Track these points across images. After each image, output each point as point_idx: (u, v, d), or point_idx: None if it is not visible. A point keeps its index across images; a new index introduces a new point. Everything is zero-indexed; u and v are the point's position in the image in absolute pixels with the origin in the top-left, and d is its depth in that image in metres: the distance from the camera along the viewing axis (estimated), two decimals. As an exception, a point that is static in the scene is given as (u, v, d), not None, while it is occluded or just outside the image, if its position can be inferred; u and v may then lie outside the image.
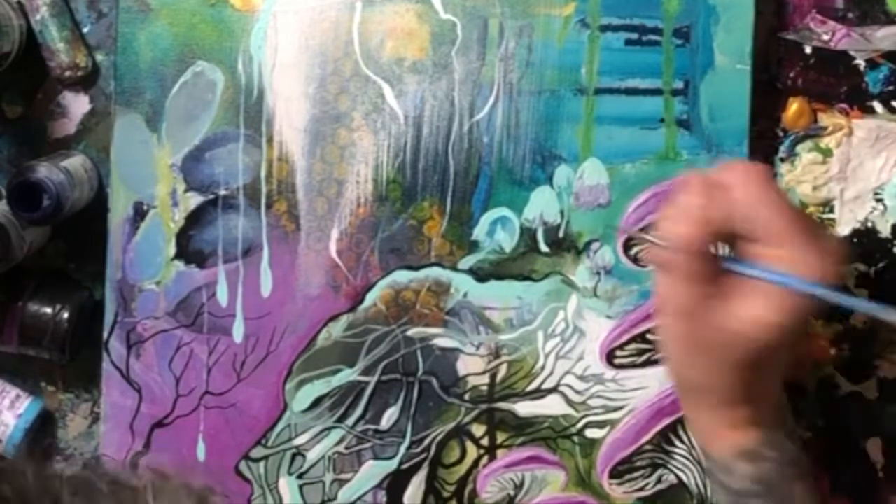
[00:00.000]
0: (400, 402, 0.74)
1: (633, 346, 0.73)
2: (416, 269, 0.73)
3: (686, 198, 0.60)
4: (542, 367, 0.73)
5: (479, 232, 0.73)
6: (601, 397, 0.74)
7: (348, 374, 0.74)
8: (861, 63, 0.74)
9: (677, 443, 0.74)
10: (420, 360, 0.73)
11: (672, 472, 0.74)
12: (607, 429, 0.74)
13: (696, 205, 0.59)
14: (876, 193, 0.74)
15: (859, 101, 0.74)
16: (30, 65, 0.74)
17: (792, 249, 0.58)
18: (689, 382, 0.64)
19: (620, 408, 0.73)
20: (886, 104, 0.74)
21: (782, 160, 0.75)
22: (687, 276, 0.60)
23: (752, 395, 0.62)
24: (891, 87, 0.74)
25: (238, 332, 0.73)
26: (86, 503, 0.45)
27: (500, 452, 0.74)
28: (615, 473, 0.74)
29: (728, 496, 0.64)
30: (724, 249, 0.61)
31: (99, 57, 0.75)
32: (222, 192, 0.73)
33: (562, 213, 0.73)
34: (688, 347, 0.62)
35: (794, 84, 0.74)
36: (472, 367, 0.74)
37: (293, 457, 0.74)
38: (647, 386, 0.73)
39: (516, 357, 0.73)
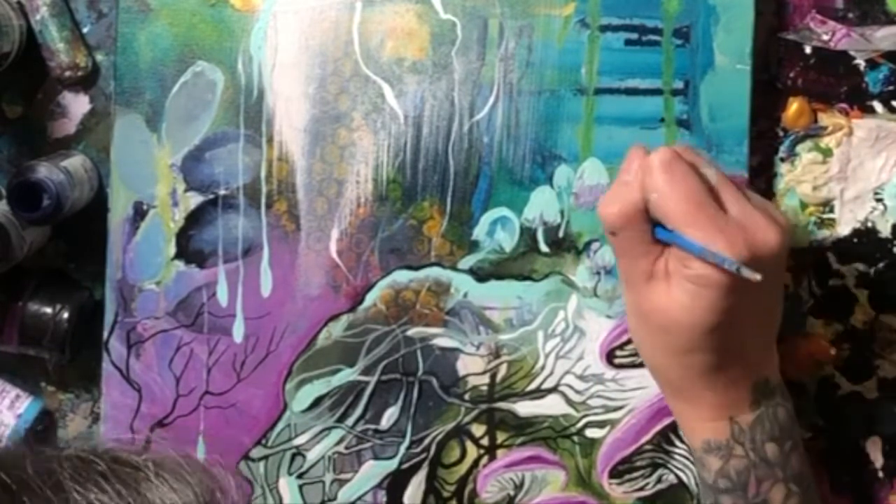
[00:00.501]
0: (400, 402, 0.74)
1: (633, 345, 0.73)
2: (416, 269, 0.73)
3: (619, 177, 0.63)
4: (542, 367, 0.73)
5: (479, 232, 0.73)
6: (601, 397, 0.74)
7: (348, 374, 0.74)
8: (861, 63, 0.74)
9: (677, 443, 0.74)
10: (420, 360, 0.73)
11: (672, 472, 0.74)
12: (607, 429, 0.74)
13: (624, 184, 0.63)
14: (876, 193, 0.74)
15: (859, 101, 0.74)
16: (30, 65, 0.74)
17: (697, 233, 0.60)
18: (651, 366, 0.67)
19: (620, 408, 0.73)
20: (886, 104, 0.74)
21: (782, 160, 0.75)
22: (621, 251, 0.63)
23: (709, 382, 0.64)
24: (891, 87, 0.74)
25: (238, 332, 0.73)
26: (86, 483, 0.45)
27: (500, 452, 0.74)
28: (615, 473, 0.74)
29: (704, 490, 0.66)
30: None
31: (99, 57, 0.75)
32: (222, 192, 0.73)
33: (562, 213, 0.73)
34: (640, 327, 0.66)
35: (794, 84, 0.74)
36: (472, 367, 0.74)
37: (293, 457, 0.74)
38: (647, 386, 0.73)
39: (516, 357, 0.73)
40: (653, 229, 0.63)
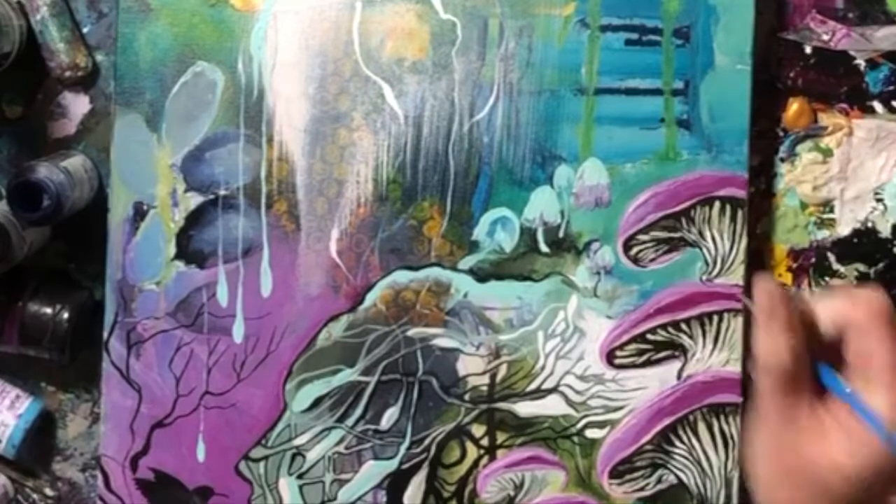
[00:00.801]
0: (400, 402, 0.74)
1: (633, 346, 0.73)
2: (416, 269, 0.73)
3: (770, 322, 0.56)
4: (542, 367, 0.73)
5: (479, 232, 0.73)
6: (601, 397, 0.74)
7: (348, 374, 0.74)
8: (861, 63, 0.74)
9: (677, 443, 0.74)
10: (420, 360, 0.73)
11: (672, 472, 0.74)
12: (607, 429, 0.74)
13: (784, 330, 0.55)
14: (876, 193, 0.74)
15: (859, 101, 0.74)
16: (30, 65, 0.74)
17: (887, 392, 0.54)
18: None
19: (620, 408, 0.73)
20: (886, 104, 0.74)
21: (782, 160, 0.75)
22: (779, 390, 0.56)
23: None
24: (891, 87, 0.74)
25: (238, 332, 0.73)
26: None
27: (500, 452, 0.74)
28: (615, 473, 0.74)
29: None
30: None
31: (99, 57, 0.75)
32: (222, 192, 0.73)
33: (562, 213, 0.73)
34: (775, 466, 0.58)
35: (794, 84, 0.74)
36: (472, 367, 0.74)
37: (293, 457, 0.74)
38: (647, 386, 0.73)
39: (516, 357, 0.73)
40: (815, 367, 0.56)
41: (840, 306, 0.56)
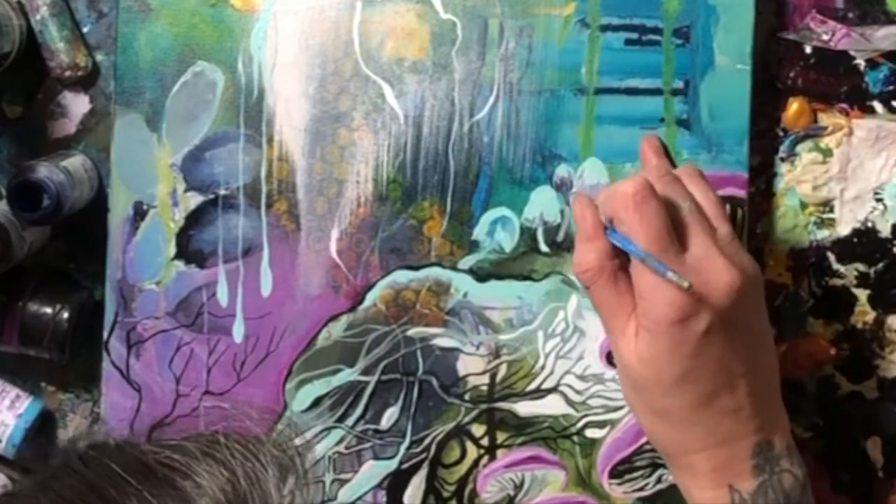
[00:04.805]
0: (400, 402, 0.74)
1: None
2: (416, 269, 0.73)
3: (579, 235, 0.64)
4: (542, 367, 0.73)
5: (479, 232, 0.73)
6: (601, 397, 0.74)
7: (348, 374, 0.74)
8: (861, 63, 0.74)
9: (677, 443, 0.74)
10: (420, 360, 0.73)
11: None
12: (607, 429, 0.74)
13: (587, 240, 0.63)
14: (876, 193, 0.74)
15: (859, 101, 0.74)
16: (30, 65, 0.74)
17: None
18: (646, 433, 0.66)
19: (620, 408, 0.73)
20: (886, 104, 0.74)
21: (782, 160, 0.75)
22: (599, 305, 0.63)
23: (700, 444, 0.62)
24: (891, 87, 0.74)
25: (238, 332, 0.73)
26: (205, 459, 0.45)
27: (500, 452, 0.74)
28: (615, 473, 0.74)
29: None
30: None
31: (99, 57, 0.75)
32: (222, 192, 0.73)
33: (562, 213, 0.73)
34: (624, 387, 0.64)
35: (794, 84, 0.74)
36: (472, 367, 0.74)
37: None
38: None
39: (516, 357, 0.73)
40: (606, 231, 0.63)
41: (602, 203, 0.63)
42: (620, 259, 0.62)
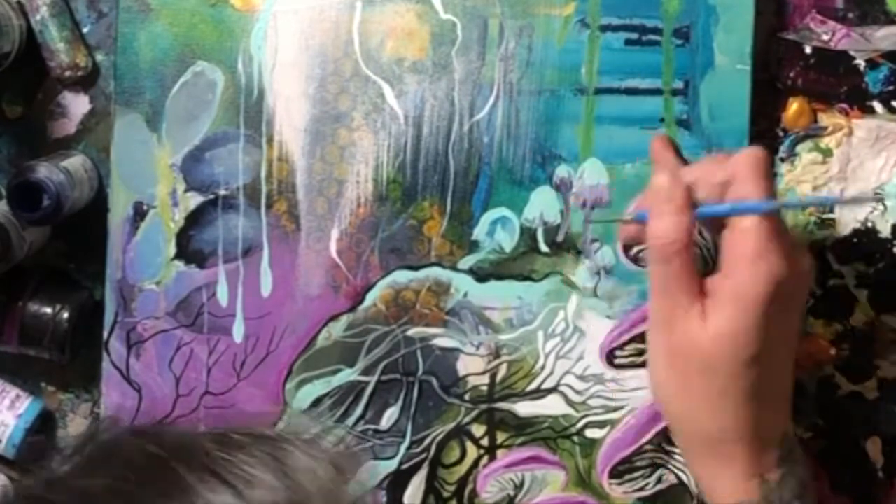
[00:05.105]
0: (400, 402, 0.74)
1: (633, 346, 0.73)
2: (416, 269, 0.73)
3: (659, 202, 0.63)
4: (542, 367, 0.73)
5: (479, 232, 0.73)
6: (601, 397, 0.74)
7: (348, 374, 0.74)
8: (861, 63, 0.74)
9: (677, 443, 0.74)
10: (420, 360, 0.73)
11: (672, 472, 0.74)
12: (607, 429, 0.74)
13: (673, 212, 0.62)
14: (876, 193, 0.74)
15: (859, 101, 0.74)
16: (30, 65, 0.74)
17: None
18: (683, 419, 0.64)
19: (620, 408, 0.73)
20: (886, 104, 0.74)
21: (782, 160, 0.75)
22: (664, 284, 0.62)
23: (745, 433, 0.62)
24: (891, 87, 0.74)
25: (238, 332, 0.73)
26: (230, 451, 0.46)
27: (500, 452, 0.74)
28: (615, 473, 0.74)
29: None
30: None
31: (99, 57, 0.75)
32: (222, 192, 0.73)
33: (561, 213, 0.73)
34: (671, 373, 0.63)
35: (794, 84, 0.74)
36: (472, 367, 0.74)
37: (293, 457, 0.74)
38: (647, 386, 0.73)
39: (516, 357, 0.73)
40: (694, 215, 0.62)
41: (724, 166, 0.63)
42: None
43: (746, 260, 0.60)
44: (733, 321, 0.60)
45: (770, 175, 0.61)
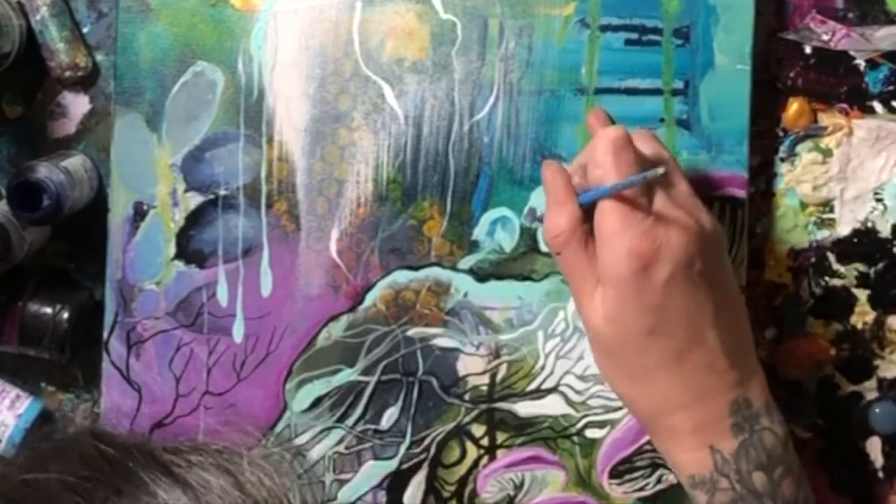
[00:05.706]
0: (400, 402, 0.74)
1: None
2: (416, 269, 0.73)
3: (550, 199, 0.65)
4: (542, 367, 0.73)
5: (479, 232, 0.73)
6: (601, 397, 0.74)
7: (348, 374, 0.74)
8: (861, 63, 0.74)
9: (677, 443, 0.74)
10: (420, 360, 0.73)
11: (672, 472, 0.74)
12: (607, 429, 0.74)
13: (558, 204, 0.64)
14: (876, 193, 0.74)
15: (859, 101, 0.74)
16: (30, 65, 0.74)
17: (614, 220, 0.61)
18: (623, 402, 0.66)
19: (620, 408, 0.73)
20: (886, 104, 0.74)
21: (782, 160, 0.75)
22: (569, 271, 0.64)
23: (677, 404, 0.62)
24: (891, 87, 0.74)
25: (238, 332, 0.73)
26: (182, 455, 0.46)
27: (500, 452, 0.74)
28: (615, 473, 0.74)
29: None
30: None
31: (99, 57, 0.75)
32: (222, 192, 0.73)
33: (562, 213, 0.73)
34: (596, 356, 0.65)
35: (794, 84, 0.74)
36: (472, 367, 0.74)
37: (293, 457, 0.74)
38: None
39: (516, 357, 0.73)
40: (578, 199, 0.64)
41: (577, 160, 0.66)
42: (589, 225, 0.63)
43: (603, 241, 0.61)
44: (610, 301, 0.61)
45: (624, 153, 0.62)
